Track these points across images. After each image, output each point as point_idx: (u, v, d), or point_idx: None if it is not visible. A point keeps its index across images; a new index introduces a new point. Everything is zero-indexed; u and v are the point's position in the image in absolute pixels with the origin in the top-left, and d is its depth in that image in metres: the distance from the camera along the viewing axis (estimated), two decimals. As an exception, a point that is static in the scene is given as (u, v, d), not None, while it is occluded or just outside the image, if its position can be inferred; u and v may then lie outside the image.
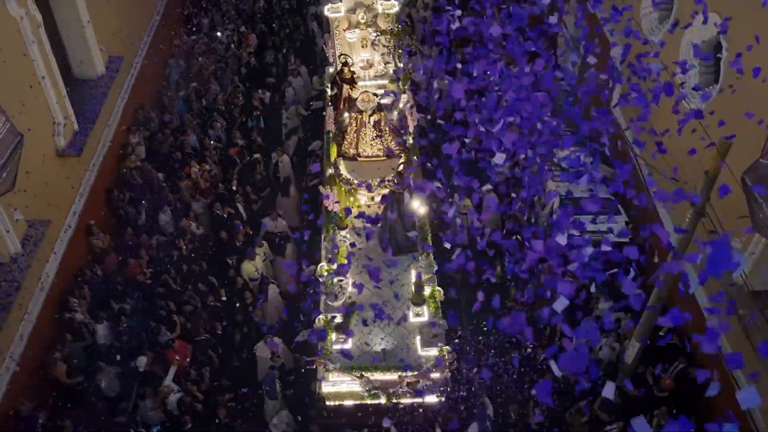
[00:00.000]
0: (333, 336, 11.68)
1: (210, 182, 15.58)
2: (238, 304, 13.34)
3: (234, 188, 15.71)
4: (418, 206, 12.89)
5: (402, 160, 13.70)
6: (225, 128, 17.24)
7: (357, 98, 13.67)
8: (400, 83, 16.13)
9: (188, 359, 12.29)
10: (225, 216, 14.81)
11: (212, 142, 16.61)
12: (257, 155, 16.19)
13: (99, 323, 12.42)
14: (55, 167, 13.13)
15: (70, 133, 13.72)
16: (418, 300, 12.05)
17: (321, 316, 11.95)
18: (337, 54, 15.98)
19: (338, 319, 11.83)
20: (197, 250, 14.25)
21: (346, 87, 15.08)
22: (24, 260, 11.71)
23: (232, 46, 19.94)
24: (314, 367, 11.72)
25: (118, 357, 12.26)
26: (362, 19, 15.45)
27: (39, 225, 12.23)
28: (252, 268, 13.64)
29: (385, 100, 14.55)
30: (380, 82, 16.22)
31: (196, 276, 13.72)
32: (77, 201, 13.58)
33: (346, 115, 14.43)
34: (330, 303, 12.07)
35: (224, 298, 13.56)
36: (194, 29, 20.76)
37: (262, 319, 13.41)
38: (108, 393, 12.04)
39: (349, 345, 11.64)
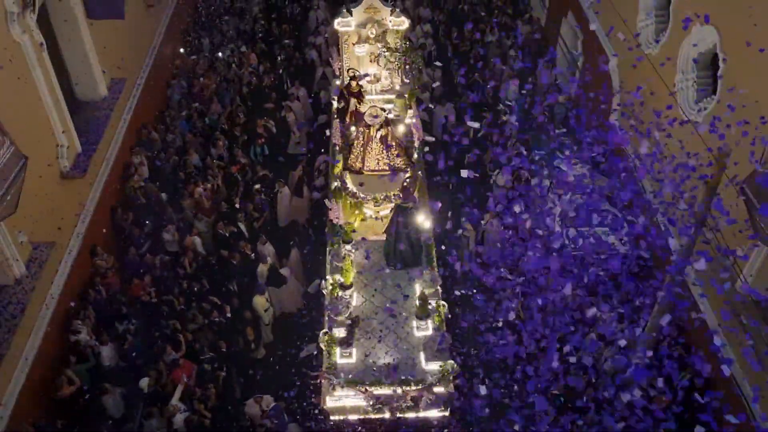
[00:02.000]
0: (337, 350, 11.65)
1: (213, 201, 15.65)
2: (240, 341, 13.21)
3: (237, 206, 15.78)
4: (423, 220, 12.99)
5: (408, 175, 13.84)
6: (227, 146, 17.35)
7: (365, 112, 13.83)
8: (407, 99, 16.34)
9: (192, 379, 12.28)
10: (227, 235, 14.86)
11: (215, 161, 16.71)
12: (257, 186, 16.22)
13: (104, 345, 12.44)
14: (58, 189, 13.21)
15: (74, 156, 13.83)
16: (422, 313, 12.10)
17: (325, 331, 11.93)
18: (345, 68, 16.16)
19: (342, 334, 11.82)
20: (201, 268, 14.29)
21: (353, 101, 15.27)
22: (29, 282, 11.76)
23: (233, 65, 20.10)
24: (318, 381, 11.69)
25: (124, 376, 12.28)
26: (371, 34, 15.67)
27: (43, 247, 12.29)
28: (263, 300, 13.64)
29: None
30: (386, 96, 16.47)
31: (200, 294, 13.73)
32: (81, 222, 13.64)
33: (353, 128, 14.60)
34: (334, 317, 12.07)
35: (229, 315, 13.57)
36: (195, 50, 20.95)
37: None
38: (113, 414, 12.03)
39: (353, 359, 11.64)
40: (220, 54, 20.55)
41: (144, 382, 12.03)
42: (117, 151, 15.41)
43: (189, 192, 15.59)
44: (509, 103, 18.60)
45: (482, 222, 15.17)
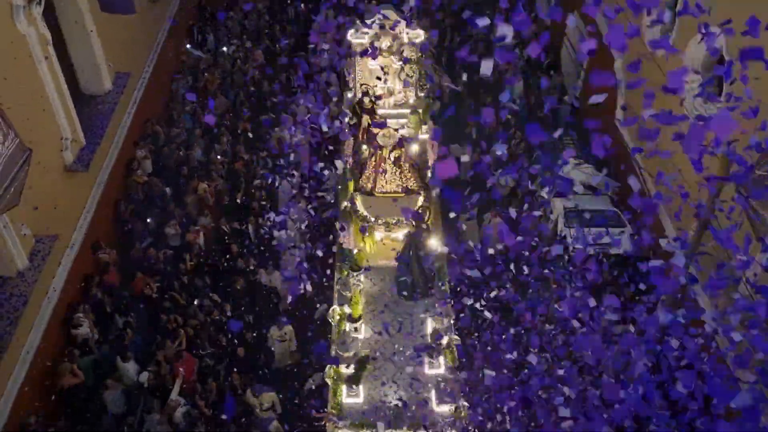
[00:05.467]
0: (343, 388, 11.02)
1: (216, 197, 15.66)
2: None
3: (239, 201, 15.72)
4: (436, 244, 12.51)
5: (421, 201, 13.18)
6: (230, 142, 17.34)
7: (378, 132, 13.18)
8: (421, 114, 15.73)
9: (193, 375, 12.31)
10: (230, 232, 14.85)
11: (219, 156, 16.69)
12: (258, 181, 16.08)
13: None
14: (62, 182, 13.23)
15: (78, 149, 13.83)
16: (434, 351, 11.25)
17: (331, 366, 11.27)
18: (359, 83, 15.63)
19: (349, 370, 11.16)
20: (203, 264, 14.30)
21: (365, 117, 14.66)
22: (31, 275, 11.78)
23: (238, 61, 20.08)
24: (323, 423, 11.06)
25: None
26: (386, 46, 15.21)
27: (46, 240, 12.31)
28: (277, 333, 12.99)
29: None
30: (400, 111, 15.84)
31: (202, 290, 13.74)
32: (84, 216, 13.66)
33: (364, 147, 13.93)
34: (341, 353, 11.44)
35: (229, 313, 13.55)
36: (200, 45, 20.93)
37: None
38: (113, 410, 12.01)
39: (360, 399, 10.99)
40: (225, 49, 20.50)
41: (144, 377, 12.05)
42: (121, 145, 15.43)
43: (193, 187, 15.60)
44: (515, 108, 18.47)
45: (483, 222, 15.11)
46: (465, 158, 16.50)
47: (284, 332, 12.89)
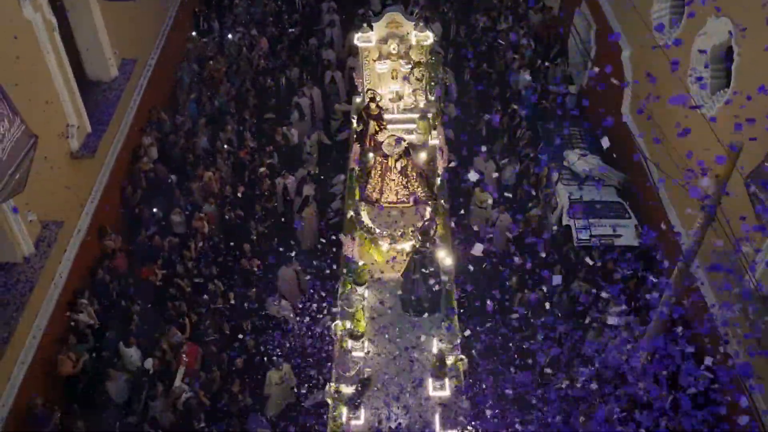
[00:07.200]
0: (343, 410, 10.63)
1: (220, 185, 15.68)
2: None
3: (239, 195, 15.73)
4: (444, 257, 12.25)
5: (427, 216, 12.69)
6: (236, 131, 17.32)
7: (383, 141, 12.68)
8: (430, 119, 15.35)
9: (197, 363, 12.37)
10: (234, 221, 14.86)
11: (225, 146, 16.67)
12: (262, 169, 16.01)
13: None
14: (68, 169, 13.26)
15: (84, 135, 13.85)
16: (440, 373, 10.91)
17: (331, 385, 10.94)
18: (365, 88, 15.30)
19: (349, 391, 10.78)
20: (208, 251, 14.34)
21: (372, 123, 14.27)
22: (37, 261, 11.84)
23: (244, 49, 20.01)
24: None
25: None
26: (394, 50, 14.81)
27: (52, 226, 12.35)
28: (277, 375, 12.30)
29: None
30: (409, 115, 15.44)
31: (206, 278, 13.78)
32: (90, 202, 13.71)
33: (371, 155, 13.41)
34: (341, 372, 10.99)
35: (232, 302, 13.60)
36: (206, 32, 20.86)
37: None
38: (116, 400, 12.10)
39: (361, 421, 10.58)
40: (230, 36, 20.43)
41: (149, 363, 12.12)
42: (127, 131, 15.45)
43: (198, 175, 15.61)
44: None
45: (492, 216, 15.06)
46: (491, 170, 16.42)
47: (284, 372, 12.30)
